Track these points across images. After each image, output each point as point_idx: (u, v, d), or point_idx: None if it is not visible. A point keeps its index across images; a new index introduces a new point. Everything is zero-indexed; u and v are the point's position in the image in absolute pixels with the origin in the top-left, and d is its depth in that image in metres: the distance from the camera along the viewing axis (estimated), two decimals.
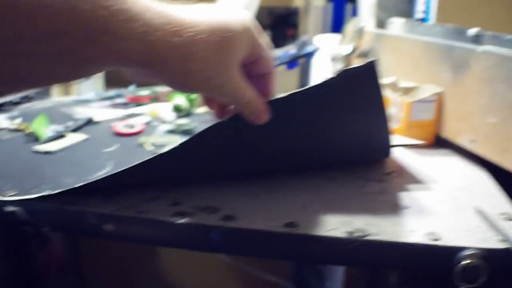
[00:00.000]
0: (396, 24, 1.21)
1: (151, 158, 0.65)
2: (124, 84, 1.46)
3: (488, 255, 0.60)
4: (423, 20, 1.19)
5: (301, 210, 0.68)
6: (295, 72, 1.47)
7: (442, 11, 1.14)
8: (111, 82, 1.40)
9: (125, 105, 1.30)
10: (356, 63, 1.23)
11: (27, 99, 1.32)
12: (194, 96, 1.21)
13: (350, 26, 1.28)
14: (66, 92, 1.37)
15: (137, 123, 1.08)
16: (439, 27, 1.03)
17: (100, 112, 1.20)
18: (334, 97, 0.67)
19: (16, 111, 1.25)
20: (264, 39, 0.60)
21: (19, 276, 1.70)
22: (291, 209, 0.69)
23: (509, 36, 0.83)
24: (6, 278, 1.15)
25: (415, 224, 0.65)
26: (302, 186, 0.77)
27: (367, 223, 0.65)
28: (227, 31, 0.53)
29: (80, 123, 1.10)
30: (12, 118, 1.17)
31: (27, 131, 1.05)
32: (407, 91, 1.05)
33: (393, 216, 0.68)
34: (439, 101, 0.97)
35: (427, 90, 0.98)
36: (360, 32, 1.18)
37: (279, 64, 1.22)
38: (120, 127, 1.06)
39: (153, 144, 0.97)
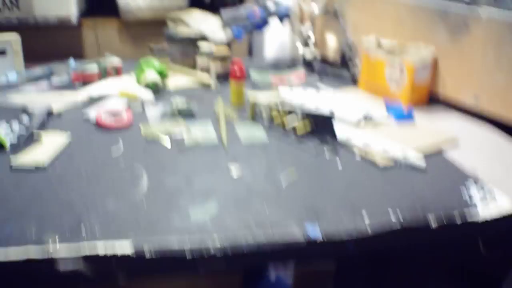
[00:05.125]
0: None
1: None
2: (45, 58, 1.19)
3: None
4: None
5: None
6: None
7: None
8: (29, 57, 1.12)
9: (68, 85, 1.07)
10: (324, 21, 1.19)
11: None
12: (164, 68, 1.04)
13: None
14: None
15: (119, 111, 0.90)
16: None
17: (48, 98, 0.96)
18: None
19: None
20: None
21: None
22: None
23: None
24: None
25: None
26: None
27: None
28: None
29: (41, 118, 0.87)
30: None
31: None
32: (392, 50, 1.05)
33: None
34: (434, 61, 0.99)
35: (421, 51, 0.99)
36: None
37: (250, 27, 1.11)
38: (104, 118, 0.87)
39: (165, 134, 0.82)
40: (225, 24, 1.15)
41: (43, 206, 0.62)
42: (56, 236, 0.56)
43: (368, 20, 1.10)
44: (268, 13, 1.11)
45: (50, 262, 0.54)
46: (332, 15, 1.14)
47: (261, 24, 1.11)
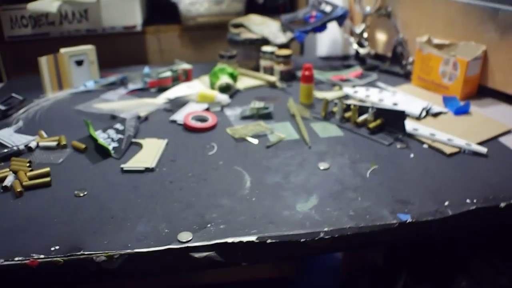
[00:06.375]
0: None
1: None
2: (112, 64, 1.29)
3: None
4: None
5: None
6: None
7: None
8: (101, 66, 1.22)
9: (142, 90, 1.16)
10: (375, 19, 1.26)
11: (19, 102, 1.09)
12: (235, 72, 1.14)
13: None
14: (60, 86, 1.16)
15: (204, 113, 0.99)
16: None
17: (131, 105, 1.06)
18: None
19: (17, 121, 1.02)
20: None
21: None
22: None
23: None
24: None
25: None
26: None
27: None
28: None
29: (132, 123, 0.97)
30: (19, 129, 0.98)
31: (78, 147, 0.89)
32: (442, 47, 1.13)
33: None
34: (483, 57, 1.07)
35: (471, 48, 1.07)
36: None
37: (310, 30, 1.19)
38: (191, 121, 0.96)
39: (251, 136, 0.91)
40: (285, 27, 1.24)
41: (165, 205, 0.71)
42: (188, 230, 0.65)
43: (418, 18, 1.18)
44: (326, 17, 1.19)
45: (186, 251, 0.63)
46: (383, 14, 1.22)
47: (321, 27, 1.19)
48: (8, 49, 1.36)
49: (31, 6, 1.27)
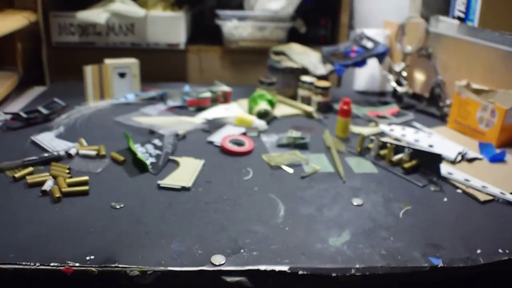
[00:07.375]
0: (448, 25, 1.27)
1: None
2: (153, 79, 1.33)
3: None
4: (463, 20, 1.27)
5: None
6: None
7: (484, 14, 1.23)
8: (142, 79, 1.25)
9: (181, 108, 1.19)
10: (415, 59, 1.28)
11: (61, 107, 1.13)
12: (274, 99, 1.16)
13: (412, 25, 1.29)
14: (102, 95, 1.19)
15: (241, 137, 1.01)
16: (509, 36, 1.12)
17: (170, 121, 1.08)
18: None
19: (58, 126, 1.06)
20: None
21: None
22: None
23: None
24: None
25: None
26: None
27: None
28: None
29: (170, 140, 0.99)
30: (60, 135, 1.01)
31: (117, 159, 0.91)
32: (480, 93, 1.14)
33: None
34: None
35: (510, 96, 1.07)
36: (427, 32, 1.22)
37: (350, 65, 1.21)
38: (228, 144, 0.98)
39: (286, 165, 0.93)
40: (325, 59, 1.26)
41: (199, 226, 0.72)
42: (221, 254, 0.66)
43: (459, 62, 1.19)
44: (367, 53, 1.21)
45: (219, 274, 0.64)
46: (423, 55, 1.23)
47: (361, 62, 1.21)
48: (53, 54, 1.41)
49: (80, 15, 1.31)
